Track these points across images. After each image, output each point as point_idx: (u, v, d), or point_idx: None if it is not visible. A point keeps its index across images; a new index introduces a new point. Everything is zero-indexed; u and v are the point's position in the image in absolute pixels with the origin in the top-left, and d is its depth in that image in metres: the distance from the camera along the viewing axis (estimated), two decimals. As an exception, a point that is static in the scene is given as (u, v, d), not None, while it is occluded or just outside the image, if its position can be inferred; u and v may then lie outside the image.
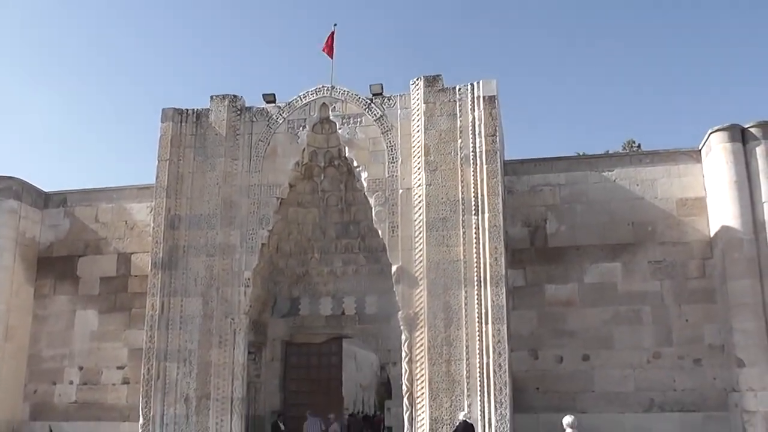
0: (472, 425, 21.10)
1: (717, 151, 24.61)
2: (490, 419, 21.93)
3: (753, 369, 22.75)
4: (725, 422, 23.76)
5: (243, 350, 24.52)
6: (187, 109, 26.19)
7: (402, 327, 23.28)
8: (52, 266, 29.91)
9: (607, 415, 24.32)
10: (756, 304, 23.16)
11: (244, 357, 24.60)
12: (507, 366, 22.27)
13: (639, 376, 24.65)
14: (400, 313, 23.36)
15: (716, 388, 24.16)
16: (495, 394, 22.02)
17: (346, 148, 24.95)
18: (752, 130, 24.32)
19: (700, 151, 25.95)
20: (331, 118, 25.23)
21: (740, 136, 24.37)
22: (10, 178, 29.72)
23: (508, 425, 21.88)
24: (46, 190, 30.95)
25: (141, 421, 24.22)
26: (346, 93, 25.25)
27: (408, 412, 22.76)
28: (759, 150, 24.02)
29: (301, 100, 25.58)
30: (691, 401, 24.22)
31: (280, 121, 25.49)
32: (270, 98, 25.74)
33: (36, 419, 28.72)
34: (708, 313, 24.76)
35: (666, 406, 24.33)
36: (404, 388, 23.01)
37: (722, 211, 24.27)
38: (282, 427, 25.79)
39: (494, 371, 22.15)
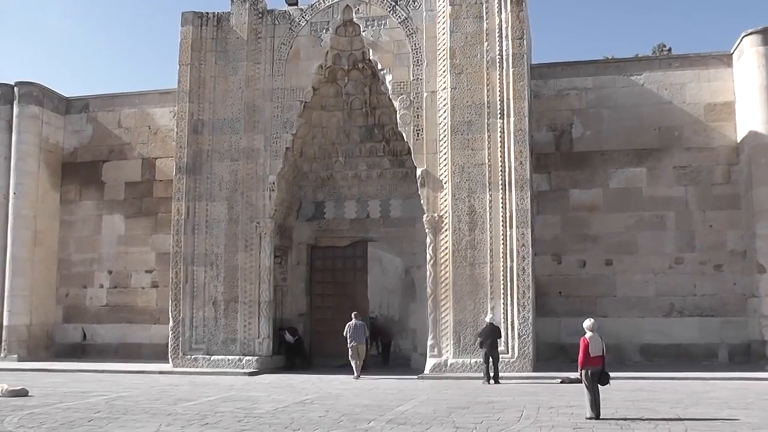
0: (498, 328, 21.48)
1: (749, 55, 24.18)
2: (513, 322, 22.28)
3: (773, 275, 22.86)
4: (743, 327, 24.03)
5: (269, 254, 24.86)
6: (208, 13, 25.88)
7: (427, 230, 23.46)
8: (77, 172, 30.19)
9: (627, 319, 24.67)
10: (779, 211, 23.09)
11: (270, 261, 24.96)
12: (530, 270, 22.52)
13: (660, 281, 24.87)
14: (424, 216, 23.50)
15: (736, 294, 24.34)
16: (518, 298, 22.32)
17: (371, 51, 24.66)
18: (788, 33, 23.82)
19: (731, 55, 25.51)
20: (354, 20, 24.85)
21: (775, 40, 23.87)
22: (31, 83, 29.74)
23: (531, 328, 22.26)
24: (67, 95, 30.92)
25: (171, 323, 24.82)
26: (370, -6, 24.80)
27: (432, 315, 23.08)
28: (793, 54, 23.57)
29: (324, 2, 25.14)
30: (710, 306, 24.45)
31: (303, 24, 25.14)
32: (292, 1, 25.36)
33: (69, 322, 29.55)
34: (731, 220, 24.82)
35: (686, 311, 24.59)
36: (428, 290, 23.30)
37: (751, 117, 24.02)
38: (289, 337, 25.93)
39: (518, 275, 22.39)
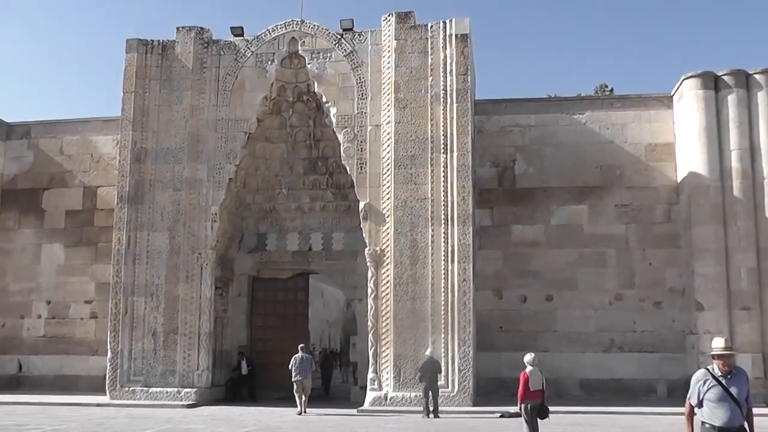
0: (438, 362, 21.42)
1: (689, 98, 24.72)
2: (453, 356, 22.25)
3: (711, 312, 23.32)
4: (681, 363, 24.31)
5: (210, 285, 24.58)
6: (153, 40, 25.68)
7: (368, 263, 23.42)
8: (16, 199, 29.53)
9: (568, 354, 24.84)
10: (718, 250, 23.59)
11: (211, 292, 24.68)
12: (471, 304, 22.54)
13: (600, 317, 25.14)
14: (367, 249, 23.46)
15: (674, 331, 24.68)
16: (459, 332, 22.31)
17: (315, 84, 24.69)
18: (725, 78, 24.47)
19: (672, 97, 26.09)
20: (300, 52, 24.88)
21: (713, 83, 24.52)
22: (-28, 107, 29.18)
23: (471, 362, 22.25)
24: (8, 121, 30.35)
25: (109, 355, 24.31)
26: (315, 27, 24.87)
27: (373, 348, 22.99)
28: (731, 98, 24.23)
29: (270, 33, 25.16)
30: (650, 342, 24.73)
31: (248, 55, 25.10)
32: (238, 31, 25.34)
33: (4, 353, 28.64)
34: (671, 258, 25.21)
35: (625, 347, 24.85)
36: (369, 324, 23.22)
37: (691, 158, 24.48)
38: (245, 367, 25.70)
39: (459, 309, 22.42)
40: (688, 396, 8.42)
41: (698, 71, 24.69)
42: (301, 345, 22.87)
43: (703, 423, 8.22)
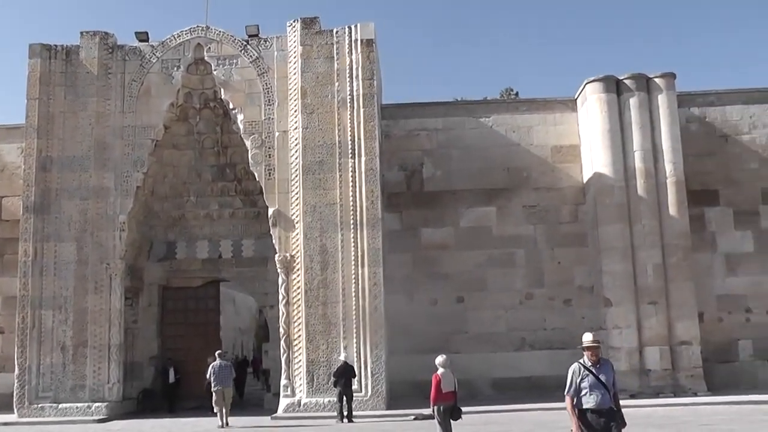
0: (352, 366, 21.47)
1: (592, 101, 25.34)
2: (366, 360, 22.36)
3: (619, 308, 24.00)
4: None
5: (119, 296, 24.18)
6: (56, 45, 25.10)
7: (279, 270, 23.38)
8: None
9: (479, 354, 25.13)
10: (624, 248, 24.29)
11: (121, 303, 24.27)
12: (382, 308, 22.69)
13: (511, 316, 25.53)
14: (276, 256, 23.42)
15: (584, 327, 24.75)
16: (371, 336, 22.43)
17: (222, 90, 24.52)
18: (627, 81, 25.22)
19: (575, 100, 26.70)
20: (206, 58, 24.68)
21: (615, 87, 25.26)
22: None
23: (384, 366, 22.39)
24: None
25: (17, 371, 23.59)
26: (221, 34, 24.70)
27: (285, 355, 22.93)
28: (632, 101, 24.97)
29: (175, 39, 24.88)
30: (560, 339, 25.17)
31: (154, 61, 24.76)
32: (143, 37, 24.98)
33: None
34: (579, 256, 25.78)
35: (536, 345, 25.28)
36: (281, 330, 23.17)
37: (595, 159, 25.10)
38: (172, 376, 25.41)
39: (370, 314, 22.54)
40: (566, 390, 9.56)
41: (600, 75, 25.36)
42: (219, 351, 22.00)
43: (580, 408, 9.47)
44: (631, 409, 19.57)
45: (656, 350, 23.64)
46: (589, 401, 9.39)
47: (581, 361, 9.64)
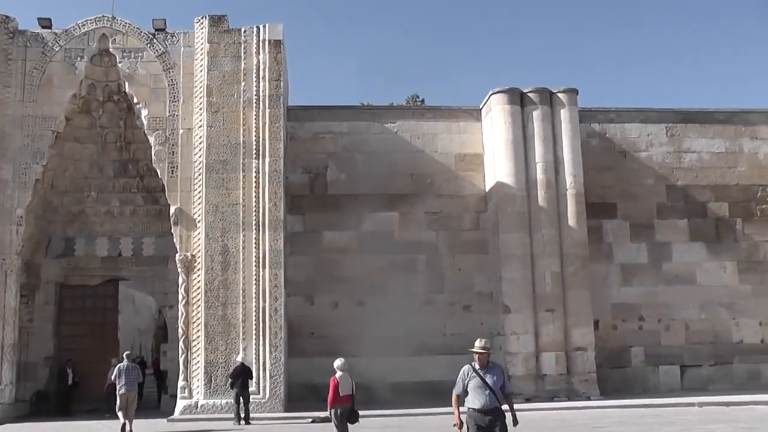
0: (249, 368, 21.28)
1: (496, 112, 25.85)
2: (264, 362, 22.21)
3: (517, 315, 24.51)
4: None
5: (15, 293, 23.40)
6: (-46, 28, 24.14)
7: (179, 269, 23.04)
8: None
9: (379, 359, 25.07)
10: (524, 256, 24.82)
11: (16, 301, 23.50)
12: (283, 310, 22.60)
13: (411, 321, 25.65)
14: (177, 255, 23.08)
15: (483, 333, 25.34)
16: (270, 338, 22.30)
17: (127, 84, 23.98)
18: (530, 95, 25.85)
19: (480, 110, 27.18)
20: (111, 50, 24.06)
21: (519, 99, 25.84)
22: None
23: (282, 368, 22.30)
24: None
25: None
26: (127, 25, 24.15)
27: (183, 356, 22.63)
28: (536, 114, 25.60)
29: (80, 28, 24.16)
30: (459, 344, 25.26)
31: (57, 49, 23.96)
32: (46, 23, 24.16)
33: None
34: (479, 263, 26.19)
35: (435, 350, 25.46)
36: (180, 331, 22.86)
37: (498, 169, 25.59)
38: (71, 377, 24.75)
39: (270, 315, 22.40)
40: (454, 388, 10.23)
41: (505, 87, 25.91)
42: (127, 352, 20.59)
43: (468, 408, 10.06)
44: (527, 413, 20.08)
45: (552, 356, 24.22)
46: (475, 402, 10.00)
47: (472, 364, 10.26)
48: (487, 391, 9.99)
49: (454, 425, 10.19)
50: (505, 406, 10.21)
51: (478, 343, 10.34)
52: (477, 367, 10.17)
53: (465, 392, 10.13)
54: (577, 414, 20.94)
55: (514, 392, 23.06)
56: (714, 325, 26.94)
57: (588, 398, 23.60)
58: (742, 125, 28.43)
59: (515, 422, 10.26)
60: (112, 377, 19.63)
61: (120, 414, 19.09)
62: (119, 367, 19.54)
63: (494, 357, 24.10)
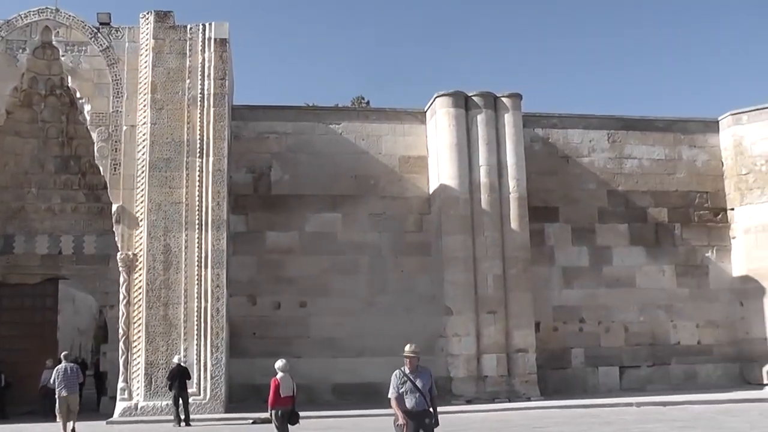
0: (187, 369, 21.12)
1: (441, 115, 26.02)
2: (206, 363, 22.12)
3: (459, 317, 24.67)
4: (431, 364, 24.47)
5: (-49, 292, 22.92)
6: None
7: (120, 268, 22.77)
8: None
9: (320, 360, 25.14)
10: (467, 258, 25.02)
11: (-48, 300, 23.02)
12: (224, 311, 22.51)
13: (353, 323, 25.69)
14: (119, 254, 22.81)
15: (425, 334, 25.57)
16: (212, 339, 22.20)
17: (70, 78, 23.58)
18: (475, 98, 26.09)
19: (425, 113, 27.34)
20: (54, 43, 23.61)
21: (464, 103, 26.06)
22: None
23: (224, 369, 22.22)
24: None
25: None
26: (71, 18, 23.70)
27: (123, 356, 22.37)
28: (480, 118, 25.85)
29: (22, 19, 23.63)
30: (401, 346, 25.25)
31: (-2, 40, 23.55)
32: (-16, 14, 23.76)
33: None
34: (422, 265, 26.34)
35: (377, 351, 25.35)
36: (121, 331, 22.60)
37: (442, 171, 25.77)
38: (3, 380, 24.22)
39: (212, 316, 22.31)
40: (390, 393, 10.76)
41: (450, 90, 26.09)
42: (65, 353, 20.13)
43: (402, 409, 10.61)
44: (468, 414, 20.40)
45: (493, 357, 24.45)
46: (407, 403, 10.58)
47: (402, 368, 10.87)
48: (417, 394, 10.57)
49: (400, 425, 10.54)
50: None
51: (408, 347, 10.90)
52: (407, 371, 10.74)
53: (399, 395, 10.61)
54: (518, 415, 21.17)
55: (456, 394, 23.59)
56: (652, 327, 27.58)
57: (528, 399, 23.91)
58: (681, 133, 29.10)
59: (437, 423, 10.79)
60: (51, 380, 19.12)
61: (59, 417, 18.67)
62: (57, 369, 18.97)
63: (436, 359, 24.61)
